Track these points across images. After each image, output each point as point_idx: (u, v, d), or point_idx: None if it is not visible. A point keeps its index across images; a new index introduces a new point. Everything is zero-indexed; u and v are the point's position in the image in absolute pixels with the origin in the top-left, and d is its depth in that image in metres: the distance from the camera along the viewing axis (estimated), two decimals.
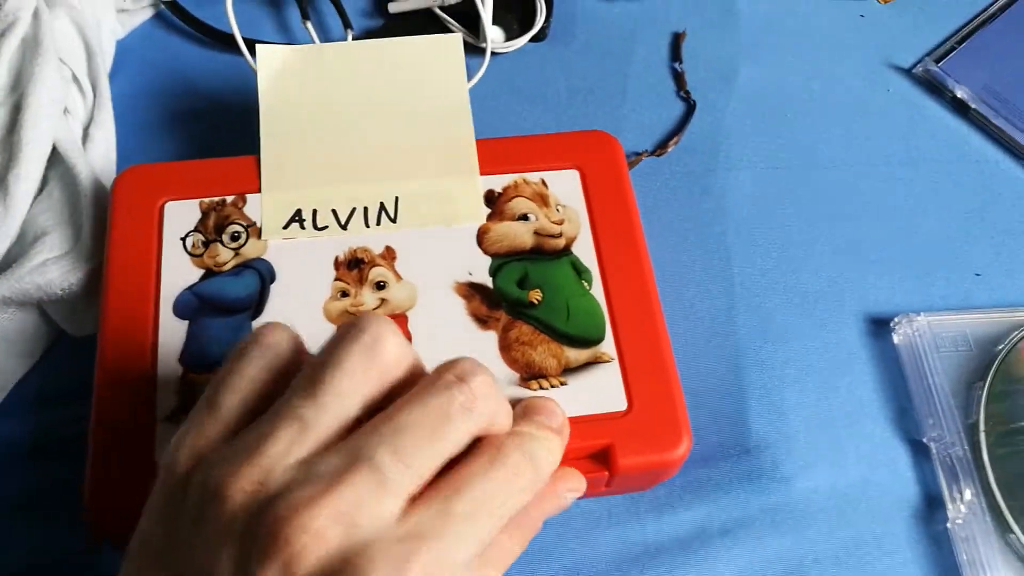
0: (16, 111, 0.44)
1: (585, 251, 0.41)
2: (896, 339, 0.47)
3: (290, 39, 0.55)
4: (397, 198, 0.42)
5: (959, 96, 0.55)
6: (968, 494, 0.42)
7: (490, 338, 0.39)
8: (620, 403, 0.38)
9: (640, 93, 0.55)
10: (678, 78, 0.56)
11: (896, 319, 0.47)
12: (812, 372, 0.46)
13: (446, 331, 0.39)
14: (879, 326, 0.48)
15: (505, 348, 0.39)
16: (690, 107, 0.54)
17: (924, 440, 0.44)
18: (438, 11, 0.54)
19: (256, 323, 0.39)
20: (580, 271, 0.41)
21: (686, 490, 0.43)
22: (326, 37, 0.55)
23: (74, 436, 0.41)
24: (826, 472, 0.44)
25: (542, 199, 0.43)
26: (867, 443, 0.45)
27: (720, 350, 0.47)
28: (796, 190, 0.52)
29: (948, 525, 0.42)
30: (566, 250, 0.41)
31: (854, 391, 0.46)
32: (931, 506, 0.43)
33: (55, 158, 0.44)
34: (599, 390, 0.38)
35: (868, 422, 0.45)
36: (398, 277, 0.40)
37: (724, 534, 0.42)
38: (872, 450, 0.44)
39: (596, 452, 0.37)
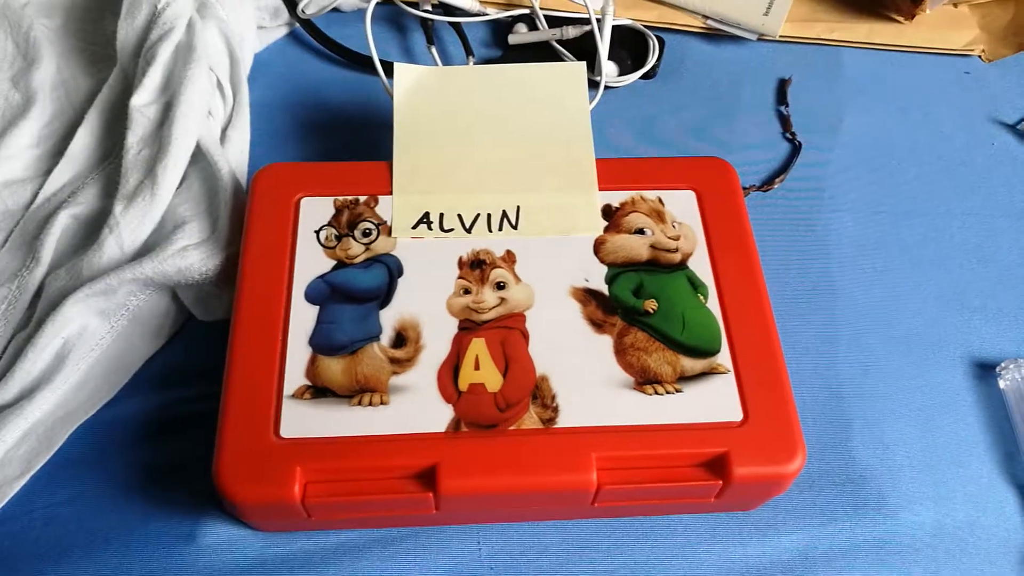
0: (167, 109, 0.47)
1: (701, 267, 0.42)
2: (1002, 384, 0.47)
3: (412, 62, 0.58)
4: (519, 207, 0.44)
5: None
6: None
7: (605, 342, 0.40)
8: (735, 413, 0.38)
9: (746, 132, 0.56)
10: (784, 120, 0.57)
11: (1003, 364, 0.47)
12: (915, 409, 0.46)
13: (563, 332, 0.40)
14: (984, 370, 0.48)
15: (620, 352, 0.39)
16: (795, 148, 0.56)
17: None
18: (555, 44, 0.57)
19: (384, 313, 0.40)
20: (696, 285, 0.42)
21: (790, 514, 0.42)
22: (447, 63, 0.58)
23: (198, 414, 0.43)
24: (932, 509, 0.43)
25: (658, 215, 0.44)
26: (973, 484, 0.44)
27: (823, 380, 0.47)
28: (899, 234, 0.53)
29: None
30: (682, 264, 0.42)
31: (958, 432, 0.46)
32: None
33: (196, 155, 0.47)
34: (714, 400, 0.38)
35: (974, 463, 0.45)
36: (517, 279, 0.41)
37: (828, 562, 0.41)
38: (979, 492, 0.44)
39: (710, 460, 0.37)
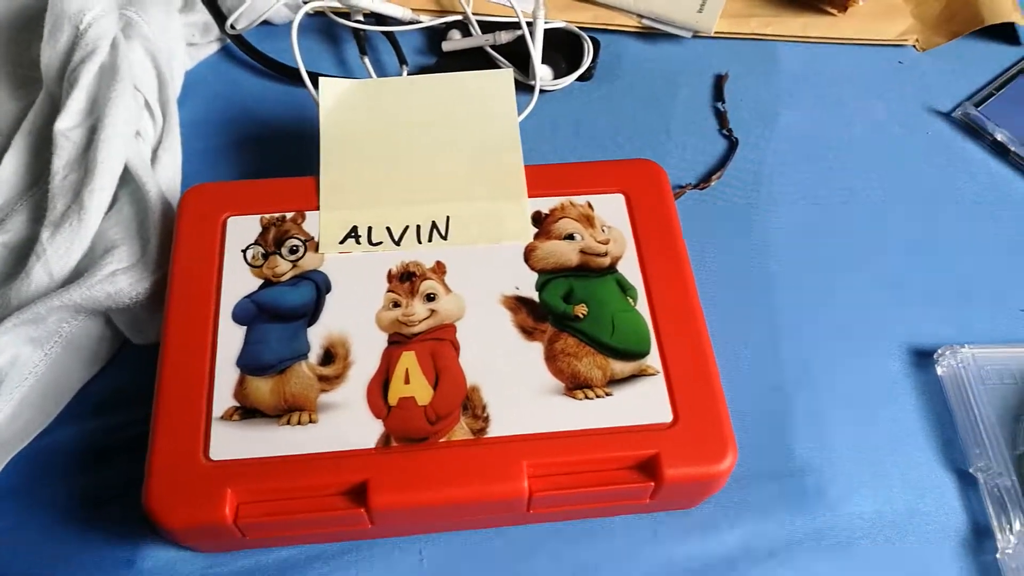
0: (92, 132, 0.46)
1: (630, 270, 0.42)
2: (940, 370, 0.47)
3: (347, 73, 0.58)
4: (448, 217, 0.44)
5: (999, 139, 0.56)
6: (1018, 525, 0.42)
7: (536, 349, 0.40)
8: (666, 415, 0.38)
9: (683, 130, 0.57)
10: (720, 117, 0.57)
11: (940, 351, 0.47)
12: (854, 400, 0.47)
13: (493, 341, 0.40)
14: (922, 358, 0.48)
15: (551, 359, 0.40)
16: (732, 145, 0.56)
17: (971, 470, 0.44)
18: (489, 50, 0.57)
19: (312, 330, 0.40)
20: (625, 288, 0.42)
21: (731, 510, 0.43)
22: (382, 72, 0.58)
23: (134, 438, 0.42)
24: (871, 499, 0.44)
25: (588, 220, 0.44)
26: (913, 471, 0.45)
27: (763, 375, 0.47)
28: (836, 226, 0.53)
29: (997, 556, 0.42)
30: (611, 268, 0.42)
31: (898, 420, 0.46)
32: (979, 536, 0.43)
33: (126, 177, 0.47)
34: (645, 402, 0.39)
35: (913, 451, 0.45)
36: (447, 290, 0.41)
37: (771, 555, 0.42)
38: (918, 478, 0.44)
39: (641, 462, 0.38)
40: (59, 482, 0.42)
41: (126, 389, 0.45)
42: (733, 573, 0.41)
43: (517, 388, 0.39)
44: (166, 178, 0.49)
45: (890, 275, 0.51)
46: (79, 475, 0.43)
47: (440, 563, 0.41)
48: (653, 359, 0.40)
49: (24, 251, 0.46)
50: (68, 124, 0.46)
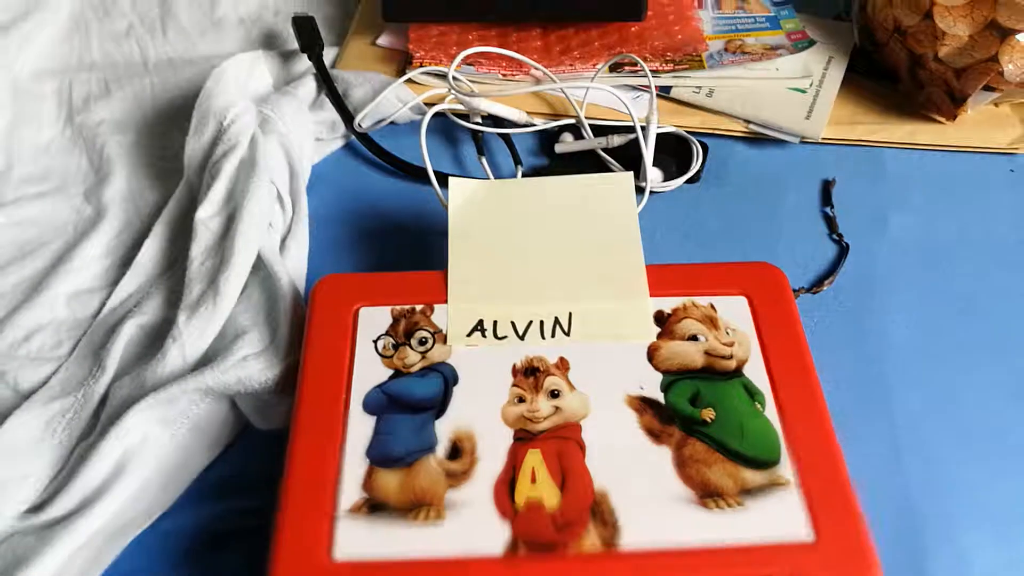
0: (230, 221, 0.48)
1: (756, 374, 0.42)
2: None
3: (463, 171, 0.60)
4: (571, 314, 0.44)
5: None
6: None
7: (664, 453, 0.39)
8: (803, 529, 0.37)
9: (792, 233, 0.57)
10: (829, 222, 0.57)
11: None
12: (991, 517, 0.44)
13: (620, 443, 0.40)
14: None
15: (680, 465, 0.39)
16: (843, 249, 0.56)
17: None
18: (601, 153, 0.58)
19: (439, 423, 0.40)
20: (753, 393, 0.41)
21: None
22: (496, 171, 0.59)
23: (253, 527, 0.42)
24: None
25: (711, 322, 0.44)
26: None
27: (888, 491, 0.45)
28: (954, 333, 0.52)
29: None
30: (737, 372, 0.42)
31: None
32: None
33: (256, 264, 0.49)
34: (781, 516, 0.37)
35: None
36: (571, 387, 0.42)
37: None
38: None
39: None
40: (178, 567, 0.42)
41: (245, 475, 0.45)
42: None
43: (647, 495, 0.38)
44: (293, 267, 0.51)
45: (1015, 383, 0.49)
46: (197, 561, 0.43)
47: None
48: (784, 469, 0.39)
49: (158, 333, 0.47)
50: (208, 213, 0.49)
